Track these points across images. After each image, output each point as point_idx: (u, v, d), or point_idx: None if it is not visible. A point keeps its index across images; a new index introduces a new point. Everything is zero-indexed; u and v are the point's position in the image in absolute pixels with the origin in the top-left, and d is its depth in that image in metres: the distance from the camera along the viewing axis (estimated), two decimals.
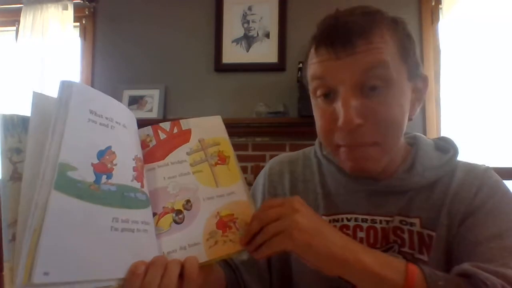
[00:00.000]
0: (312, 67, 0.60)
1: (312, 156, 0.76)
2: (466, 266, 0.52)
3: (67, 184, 0.40)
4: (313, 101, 0.63)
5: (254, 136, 2.42)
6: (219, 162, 0.57)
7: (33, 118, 0.44)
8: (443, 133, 2.28)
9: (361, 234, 0.65)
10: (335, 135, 0.59)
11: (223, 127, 0.59)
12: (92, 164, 0.44)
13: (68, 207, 0.40)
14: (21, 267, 0.36)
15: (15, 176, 0.43)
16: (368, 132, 0.56)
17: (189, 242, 0.50)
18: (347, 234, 0.65)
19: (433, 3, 2.38)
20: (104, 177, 0.44)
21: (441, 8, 2.36)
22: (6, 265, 0.40)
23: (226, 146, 0.58)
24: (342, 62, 0.56)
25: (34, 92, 0.45)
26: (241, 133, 2.36)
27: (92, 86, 2.65)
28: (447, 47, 2.28)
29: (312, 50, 0.61)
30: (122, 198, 0.45)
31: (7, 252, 0.40)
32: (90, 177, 0.43)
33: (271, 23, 2.51)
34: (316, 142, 0.75)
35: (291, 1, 2.51)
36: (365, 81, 0.56)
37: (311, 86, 0.62)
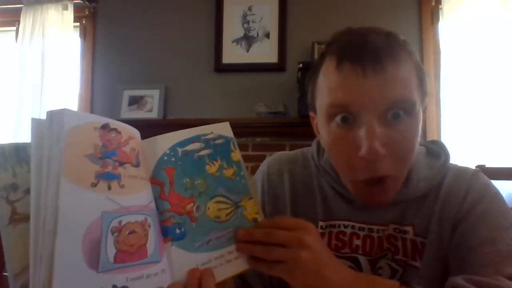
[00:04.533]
0: (333, 93, 0.55)
1: (310, 158, 0.73)
2: (459, 280, 0.52)
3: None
4: (324, 125, 0.59)
5: (254, 136, 2.42)
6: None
7: (34, 152, 0.38)
8: (443, 133, 2.28)
9: (357, 242, 0.65)
10: (356, 167, 0.56)
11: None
12: None
13: (75, 258, 0.37)
14: None
15: (14, 218, 0.39)
16: (389, 163, 0.54)
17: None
18: (343, 240, 0.66)
19: (433, 3, 2.38)
20: None
21: (441, 8, 2.36)
22: None
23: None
24: (369, 82, 0.52)
25: (32, 119, 0.39)
26: (241, 133, 2.36)
27: (92, 86, 2.66)
28: (447, 47, 2.28)
29: (331, 66, 0.56)
30: None
31: None
32: None
33: (271, 23, 2.51)
34: (314, 146, 0.73)
35: (291, 1, 2.51)
36: (387, 111, 0.53)
37: (327, 112, 0.57)
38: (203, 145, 0.53)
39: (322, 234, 0.67)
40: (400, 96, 0.53)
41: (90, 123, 0.43)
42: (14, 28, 2.78)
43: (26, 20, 2.67)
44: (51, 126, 0.39)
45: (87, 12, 2.70)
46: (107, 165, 0.42)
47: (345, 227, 0.66)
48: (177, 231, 0.48)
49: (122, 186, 0.43)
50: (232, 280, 0.62)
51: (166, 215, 0.48)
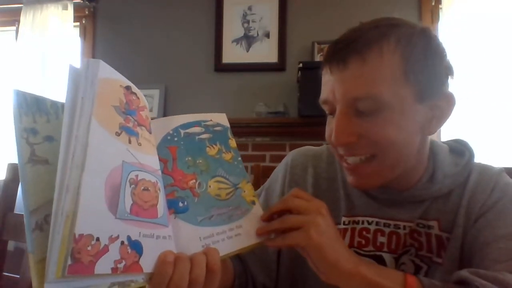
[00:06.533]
0: (321, 92, 0.61)
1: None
2: (464, 273, 0.52)
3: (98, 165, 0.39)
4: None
5: (254, 136, 2.42)
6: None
7: (69, 92, 0.41)
8: (444, 132, 2.28)
9: (382, 239, 0.64)
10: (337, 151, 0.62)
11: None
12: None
13: (99, 196, 0.38)
14: (53, 259, 0.34)
15: (33, 159, 0.40)
16: (362, 146, 0.57)
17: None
18: (367, 238, 0.65)
19: (433, 3, 2.38)
20: None
21: (441, 8, 2.36)
22: (30, 257, 0.37)
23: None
24: (334, 79, 0.57)
25: (70, 66, 0.43)
26: (241, 133, 2.36)
27: None
28: (447, 47, 2.27)
29: None
30: None
31: (30, 243, 0.37)
32: None
33: (271, 23, 2.52)
34: None
35: (291, 1, 2.51)
36: (354, 105, 0.56)
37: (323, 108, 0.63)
38: (203, 129, 0.56)
39: (345, 230, 0.67)
40: (361, 93, 0.55)
41: (118, 80, 0.47)
42: (14, 27, 2.78)
43: (26, 20, 2.67)
44: (87, 71, 0.43)
45: (87, 12, 2.70)
46: (128, 121, 0.46)
47: (369, 223, 0.66)
48: (180, 204, 0.49)
49: (139, 144, 0.46)
50: (231, 264, 0.64)
51: (170, 189, 0.50)
